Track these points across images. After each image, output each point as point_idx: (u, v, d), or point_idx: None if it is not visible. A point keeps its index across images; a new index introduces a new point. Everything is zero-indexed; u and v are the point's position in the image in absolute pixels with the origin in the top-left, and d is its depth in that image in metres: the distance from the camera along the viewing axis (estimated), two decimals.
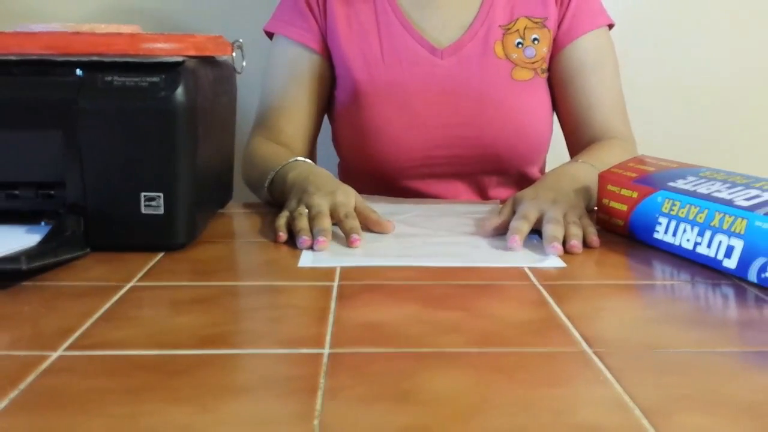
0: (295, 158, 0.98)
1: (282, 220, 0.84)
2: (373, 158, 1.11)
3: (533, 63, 1.11)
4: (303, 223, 0.81)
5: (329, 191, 0.86)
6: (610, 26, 1.15)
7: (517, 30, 1.10)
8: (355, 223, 0.82)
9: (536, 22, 1.11)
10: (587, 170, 0.94)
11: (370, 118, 1.10)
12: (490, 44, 1.10)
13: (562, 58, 1.12)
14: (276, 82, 1.14)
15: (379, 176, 1.12)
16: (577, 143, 1.13)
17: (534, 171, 1.17)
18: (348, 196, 0.87)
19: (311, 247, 0.78)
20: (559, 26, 1.12)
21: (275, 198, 0.98)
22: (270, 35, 1.17)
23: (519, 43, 1.10)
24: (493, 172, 1.13)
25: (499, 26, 1.10)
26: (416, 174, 1.12)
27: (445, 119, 1.09)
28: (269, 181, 0.98)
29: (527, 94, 1.11)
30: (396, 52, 1.10)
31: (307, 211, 0.83)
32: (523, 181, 1.14)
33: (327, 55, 1.14)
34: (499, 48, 1.10)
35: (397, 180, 1.13)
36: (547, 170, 1.19)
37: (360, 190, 0.90)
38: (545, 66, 1.12)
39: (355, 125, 1.12)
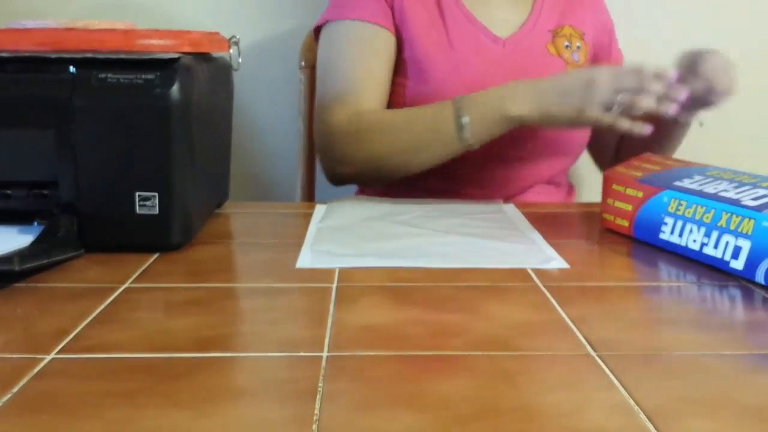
0: (462, 96, 1.02)
1: (618, 121, 0.95)
2: None
3: (578, 66, 1.18)
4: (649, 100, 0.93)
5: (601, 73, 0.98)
6: None
7: (564, 34, 1.18)
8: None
9: (578, 33, 1.20)
10: None
11: (438, 95, 1.10)
12: (543, 43, 1.17)
13: None
14: (352, 60, 1.11)
15: None
16: (605, 147, 1.27)
17: (568, 168, 1.25)
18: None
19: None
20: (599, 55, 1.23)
21: (478, 135, 1.01)
22: (318, 30, 1.17)
23: (567, 45, 1.18)
24: (545, 156, 1.16)
25: (549, 30, 1.18)
26: (476, 154, 1.09)
27: None
28: (467, 120, 1.00)
29: None
30: (462, 39, 1.14)
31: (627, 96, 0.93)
32: (564, 173, 1.24)
33: (397, 35, 1.14)
34: (552, 48, 1.17)
35: (456, 161, 1.09)
36: (569, 178, 1.30)
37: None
38: None
39: (419, 103, 1.11)
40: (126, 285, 0.67)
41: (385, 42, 1.13)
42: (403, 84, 1.14)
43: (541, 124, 1.00)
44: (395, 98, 1.15)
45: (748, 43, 1.50)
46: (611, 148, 1.28)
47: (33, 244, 0.72)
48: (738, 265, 0.69)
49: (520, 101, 0.98)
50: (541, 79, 1.00)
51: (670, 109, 0.92)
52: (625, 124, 0.94)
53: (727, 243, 0.70)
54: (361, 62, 1.11)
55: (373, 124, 1.06)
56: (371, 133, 1.05)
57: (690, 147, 1.28)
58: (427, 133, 1.03)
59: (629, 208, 0.82)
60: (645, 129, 0.94)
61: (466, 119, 1.00)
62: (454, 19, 1.14)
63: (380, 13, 1.13)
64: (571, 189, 1.28)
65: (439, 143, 1.02)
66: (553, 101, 0.97)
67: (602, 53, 1.24)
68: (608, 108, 0.94)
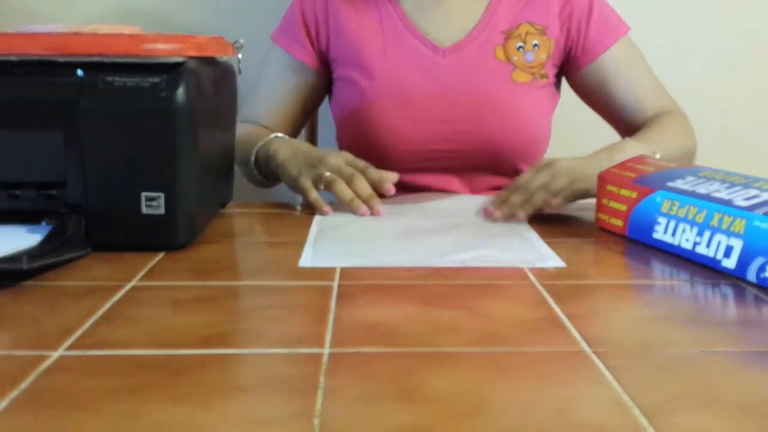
0: (275, 135, 1.09)
1: (313, 193, 0.96)
2: (372, 152, 1.12)
3: (532, 68, 1.14)
4: (346, 190, 0.95)
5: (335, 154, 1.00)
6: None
7: (519, 35, 1.14)
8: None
9: (538, 29, 1.14)
10: (627, 144, 1.02)
11: (372, 113, 1.13)
12: (490, 48, 1.13)
13: (590, 72, 1.16)
14: (264, 83, 1.20)
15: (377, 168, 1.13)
16: (633, 130, 1.15)
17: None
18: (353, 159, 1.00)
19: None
20: (577, 43, 1.15)
21: (264, 173, 1.09)
22: None
23: (520, 46, 1.13)
24: (488, 169, 1.15)
25: (502, 31, 1.14)
26: (412, 167, 1.14)
27: (445, 115, 1.12)
28: (254, 157, 1.08)
29: (526, 95, 1.14)
30: (398, 50, 1.13)
31: (335, 176, 0.96)
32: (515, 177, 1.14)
33: (319, 67, 1.19)
34: (500, 52, 1.13)
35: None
36: None
37: None
38: (544, 72, 1.15)
39: (357, 121, 1.15)
40: (132, 283, 0.67)
41: (303, 75, 1.19)
42: (341, 101, 1.17)
43: (280, 175, 1.05)
44: (338, 116, 1.19)
45: (746, 43, 1.50)
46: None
47: (41, 243, 0.72)
48: (730, 263, 0.70)
49: (281, 151, 1.04)
50: (305, 146, 1.07)
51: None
52: (311, 197, 0.96)
53: (719, 242, 0.71)
54: (273, 92, 1.20)
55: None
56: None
57: None
58: (243, 158, 1.10)
59: (623, 208, 0.83)
60: None
61: (253, 158, 1.09)
62: (394, 31, 1.14)
63: (301, 47, 1.17)
64: None
65: (246, 169, 1.12)
66: (293, 161, 1.02)
67: (572, 40, 1.15)
68: (316, 183, 0.97)
